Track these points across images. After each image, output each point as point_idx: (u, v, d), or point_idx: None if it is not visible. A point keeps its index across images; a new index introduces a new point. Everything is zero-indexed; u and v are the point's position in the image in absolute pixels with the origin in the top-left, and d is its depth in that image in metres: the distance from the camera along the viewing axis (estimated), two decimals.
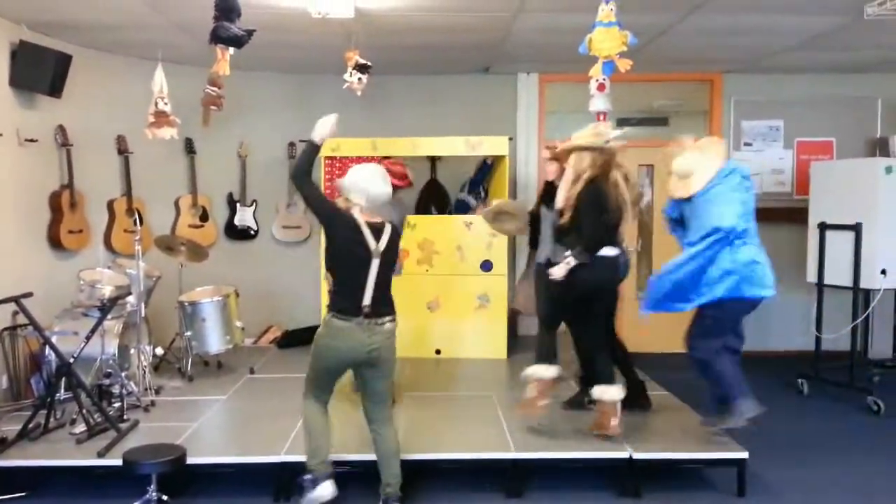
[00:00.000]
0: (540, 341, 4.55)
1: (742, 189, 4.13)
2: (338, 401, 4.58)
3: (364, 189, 3.53)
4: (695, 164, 4.17)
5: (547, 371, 4.43)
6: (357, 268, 3.48)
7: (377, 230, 3.53)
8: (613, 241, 4.28)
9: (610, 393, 4.27)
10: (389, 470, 3.69)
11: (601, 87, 4.42)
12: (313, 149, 3.54)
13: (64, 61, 5.55)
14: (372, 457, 3.79)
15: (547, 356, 4.47)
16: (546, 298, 4.55)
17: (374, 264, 3.48)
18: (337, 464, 3.80)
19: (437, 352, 6.34)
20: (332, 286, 3.64)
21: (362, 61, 5.27)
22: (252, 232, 7.23)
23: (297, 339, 6.84)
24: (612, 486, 4.06)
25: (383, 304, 3.55)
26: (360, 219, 3.51)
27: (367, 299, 3.46)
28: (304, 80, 7.25)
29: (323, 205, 3.57)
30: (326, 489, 3.65)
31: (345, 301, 3.50)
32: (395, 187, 4.05)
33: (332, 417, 3.79)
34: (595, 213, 4.14)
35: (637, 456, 4.01)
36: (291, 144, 7.19)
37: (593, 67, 4.26)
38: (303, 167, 3.51)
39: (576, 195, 4.20)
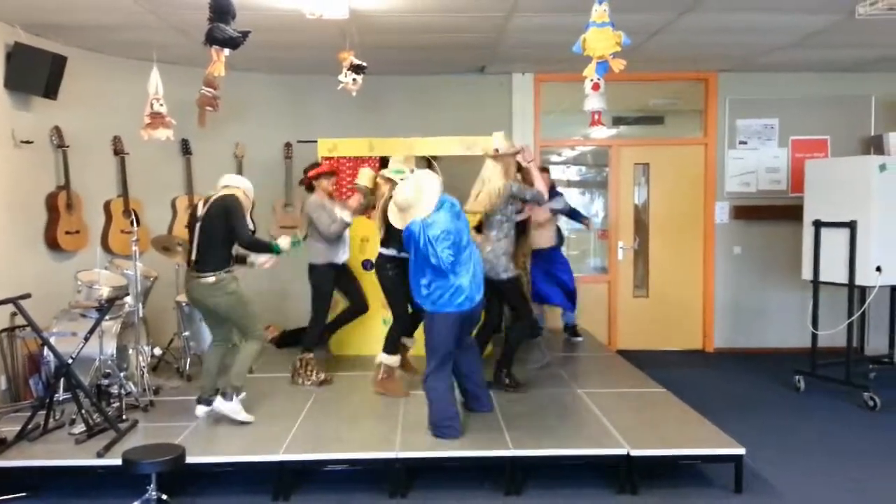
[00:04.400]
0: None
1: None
2: (348, 402, 4.61)
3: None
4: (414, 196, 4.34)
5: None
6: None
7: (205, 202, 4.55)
8: None
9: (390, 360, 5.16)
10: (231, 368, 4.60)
11: (596, 87, 4.46)
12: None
13: (59, 63, 5.55)
14: (376, 455, 3.89)
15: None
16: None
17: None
18: (346, 462, 4.04)
19: None
20: None
21: (357, 62, 5.28)
22: (249, 232, 7.22)
23: (294, 338, 6.83)
24: (610, 484, 4.07)
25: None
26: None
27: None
28: (300, 80, 7.27)
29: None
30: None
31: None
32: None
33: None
34: None
35: (635, 453, 4.03)
36: (287, 145, 7.21)
37: (587, 67, 4.27)
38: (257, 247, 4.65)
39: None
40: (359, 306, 5.80)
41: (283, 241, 4.70)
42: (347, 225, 5.45)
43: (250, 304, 4.60)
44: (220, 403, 4.51)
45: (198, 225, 4.50)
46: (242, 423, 4.49)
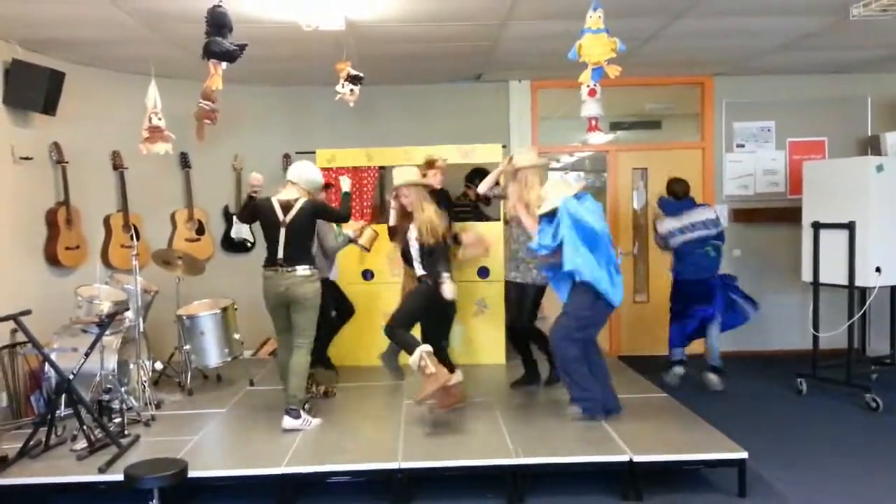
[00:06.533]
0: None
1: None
2: (349, 413, 4.59)
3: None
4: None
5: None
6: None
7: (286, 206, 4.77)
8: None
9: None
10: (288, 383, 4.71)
11: (592, 93, 4.46)
12: None
13: (57, 79, 5.57)
14: (379, 466, 3.93)
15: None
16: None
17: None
18: (348, 473, 4.07)
19: None
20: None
21: (354, 72, 5.30)
22: (249, 244, 7.24)
23: None
24: (615, 490, 4.07)
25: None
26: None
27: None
28: (297, 92, 7.28)
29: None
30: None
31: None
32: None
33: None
34: None
35: (637, 459, 4.02)
36: (286, 156, 7.21)
37: (583, 74, 4.29)
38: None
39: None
40: (347, 312, 5.96)
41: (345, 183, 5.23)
42: (349, 241, 5.76)
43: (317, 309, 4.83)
44: (288, 423, 4.60)
45: (285, 227, 4.72)
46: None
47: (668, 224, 6.17)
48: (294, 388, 4.65)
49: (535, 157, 5.27)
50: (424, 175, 5.37)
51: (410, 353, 4.67)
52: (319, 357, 5.69)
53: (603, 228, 4.59)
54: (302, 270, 4.70)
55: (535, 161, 5.19)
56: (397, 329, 4.84)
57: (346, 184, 5.28)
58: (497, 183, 5.47)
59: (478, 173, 6.26)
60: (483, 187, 5.53)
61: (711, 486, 4.19)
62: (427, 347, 4.68)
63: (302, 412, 4.65)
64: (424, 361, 4.59)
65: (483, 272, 6.36)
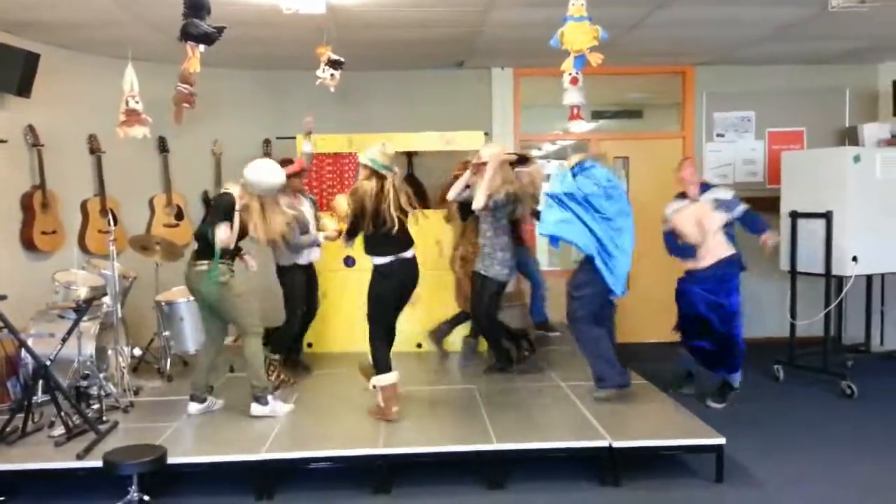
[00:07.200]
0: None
1: None
2: (330, 399, 4.58)
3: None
4: None
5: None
6: None
7: None
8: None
9: (387, 379, 4.52)
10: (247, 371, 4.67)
11: (574, 81, 4.47)
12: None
13: (32, 60, 5.47)
14: (360, 452, 3.94)
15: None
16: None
17: None
18: (329, 460, 4.05)
19: (419, 346, 6.35)
20: None
21: (335, 57, 5.26)
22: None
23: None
24: (594, 475, 4.10)
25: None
26: None
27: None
28: (277, 76, 7.21)
29: None
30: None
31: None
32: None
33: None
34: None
35: (617, 444, 4.06)
36: (266, 141, 7.15)
37: (565, 62, 4.29)
38: None
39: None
40: (311, 308, 5.72)
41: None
42: (317, 244, 5.50)
43: (242, 297, 4.61)
44: (256, 410, 4.57)
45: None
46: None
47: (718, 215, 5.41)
48: (252, 375, 4.60)
49: (500, 150, 5.37)
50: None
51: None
52: (288, 343, 5.57)
53: (597, 195, 4.65)
54: (201, 266, 4.54)
55: (498, 153, 5.27)
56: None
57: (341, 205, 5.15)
58: (467, 186, 5.48)
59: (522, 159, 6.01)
60: (452, 193, 5.55)
61: (690, 471, 4.24)
62: (383, 379, 4.55)
63: (270, 398, 4.63)
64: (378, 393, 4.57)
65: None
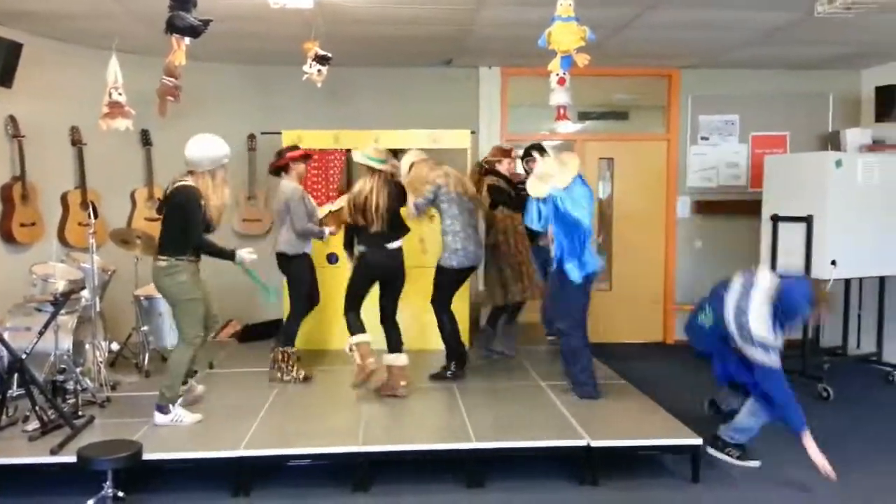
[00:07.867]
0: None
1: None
2: (310, 396, 4.56)
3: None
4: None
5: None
6: None
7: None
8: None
9: (360, 338, 4.95)
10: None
11: (561, 82, 4.48)
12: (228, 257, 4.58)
13: (14, 50, 5.41)
14: (339, 449, 3.89)
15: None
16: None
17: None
18: (308, 457, 4.03)
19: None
20: None
21: (322, 52, 5.23)
22: (210, 225, 7.12)
23: (256, 333, 6.78)
24: (572, 475, 4.12)
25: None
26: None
27: None
28: (264, 71, 7.17)
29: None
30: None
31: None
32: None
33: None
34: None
35: (595, 444, 4.08)
36: (251, 136, 7.11)
37: (552, 62, 4.29)
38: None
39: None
40: (313, 300, 5.67)
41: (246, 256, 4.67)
42: (321, 237, 5.49)
43: (192, 303, 4.38)
44: (159, 419, 4.35)
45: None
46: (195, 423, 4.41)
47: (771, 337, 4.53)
48: (166, 382, 4.37)
49: (413, 155, 5.50)
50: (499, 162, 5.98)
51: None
52: (296, 334, 5.50)
53: (587, 220, 4.75)
54: (159, 261, 4.35)
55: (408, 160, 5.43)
56: None
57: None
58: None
59: (535, 147, 6.10)
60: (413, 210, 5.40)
61: (667, 471, 4.26)
62: (356, 339, 4.96)
63: (171, 407, 4.36)
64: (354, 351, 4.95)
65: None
